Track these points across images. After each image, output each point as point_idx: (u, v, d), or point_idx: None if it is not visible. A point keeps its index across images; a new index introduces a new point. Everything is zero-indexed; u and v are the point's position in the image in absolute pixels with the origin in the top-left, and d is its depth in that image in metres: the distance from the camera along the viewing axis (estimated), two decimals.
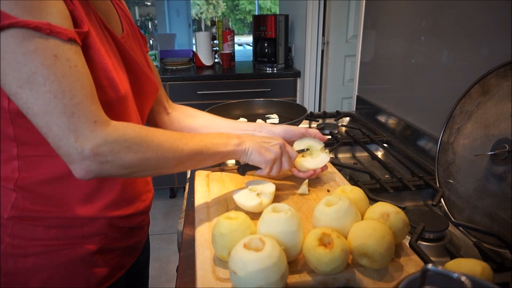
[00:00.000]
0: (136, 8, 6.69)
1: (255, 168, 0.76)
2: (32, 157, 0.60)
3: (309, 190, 0.81)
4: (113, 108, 0.61)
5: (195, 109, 0.94)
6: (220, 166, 0.97)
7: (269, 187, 0.75)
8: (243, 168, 0.78)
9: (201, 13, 11.25)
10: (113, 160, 0.53)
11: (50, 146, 0.53)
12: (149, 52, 2.59)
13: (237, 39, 6.13)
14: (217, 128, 0.88)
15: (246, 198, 0.72)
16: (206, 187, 0.84)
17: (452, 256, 0.66)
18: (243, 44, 9.81)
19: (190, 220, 0.75)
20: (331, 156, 1.18)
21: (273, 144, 0.75)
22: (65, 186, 0.62)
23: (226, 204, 0.77)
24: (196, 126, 0.89)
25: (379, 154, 1.22)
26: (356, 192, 0.67)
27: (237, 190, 0.76)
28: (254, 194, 0.73)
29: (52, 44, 0.49)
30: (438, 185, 0.85)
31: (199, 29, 3.35)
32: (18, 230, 0.62)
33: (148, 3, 6.74)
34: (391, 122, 1.33)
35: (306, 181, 0.82)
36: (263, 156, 0.72)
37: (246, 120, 1.35)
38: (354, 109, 1.67)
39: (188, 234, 0.71)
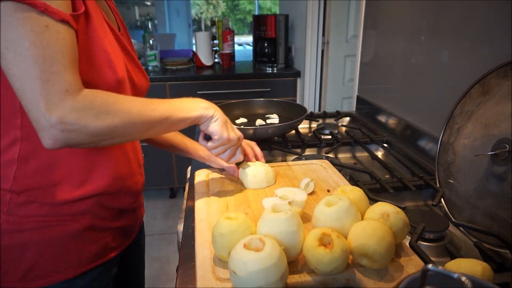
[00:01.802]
0: (136, 8, 6.68)
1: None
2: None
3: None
4: (111, 91, 0.63)
5: None
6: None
7: (301, 196, 0.73)
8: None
9: (201, 13, 11.24)
10: (79, 129, 0.55)
11: None
12: (149, 52, 2.59)
13: (237, 39, 6.12)
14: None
15: None
16: (206, 187, 0.84)
17: (452, 256, 0.66)
18: (243, 44, 9.81)
19: (190, 220, 0.75)
20: (331, 156, 1.18)
21: (237, 130, 0.77)
22: (63, 159, 0.65)
23: (226, 204, 0.77)
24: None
25: (379, 154, 1.22)
26: (356, 192, 0.67)
27: (267, 198, 0.76)
28: (285, 202, 0.69)
29: (44, 19, 0.52)
30: (438, 185, 0.85)
31: (199, 29, 3.34)
32: (13, 207, 0.64)
33: (148, 3, 6.73)
34: (391, 122, 1.33)
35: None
36: (224, 129, 0.73)
37: (246, 120, 1.36)
38: (354, 109, 1.67)
39: (188, 234, 0.71)
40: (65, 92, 0.53)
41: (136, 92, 0.78)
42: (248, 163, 0.86)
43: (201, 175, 0.90)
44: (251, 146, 0.92)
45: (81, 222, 0.69)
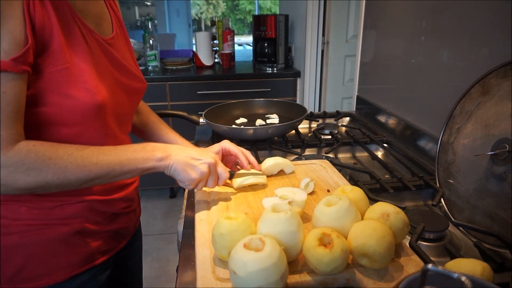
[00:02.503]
0: (136, 8, 6.68)
1: None
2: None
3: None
4: (88, 113, 0.64)
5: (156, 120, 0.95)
6: None
7: (301, 195, 0.73)
8: None
9: (201, 13, 11.24)
10: (7, 184, 0.55)
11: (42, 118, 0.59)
12: (149, 52, 2.59)
13: (237, 39, 6.12)
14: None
15: None
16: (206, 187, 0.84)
17: (452, 256, 0.66)
18: (243, 44, 9.81)
19: (190, 220, 0.75)
20: (331, 156, 1.18)
21: (201, 162, 0.71)
22: None
23: (226, 204, 0.77)
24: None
25: (379, 154, 1.22)
26: (356, 192, 0.67)
27: (267, 198, 0.76)
28: (285, 202, 0.69)
29: None
30: (438, 185, 0.85)
31: (199, 29, 3.35)
32: (3, 210, 0.65)
33: (148, 3, 6.73)
34: (391, 122, 1.33)
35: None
36: (186, 175, 0.69)
37: (246, 120, 1.36)
38: (354, 109, 1.67)
39: (188, 234, 0.71)
40: None
41: (131, 97, 0.77)
42: (237, 178, 0.83)
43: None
44: (246, 155, 0.85)
45: (71, 225, 0.69)
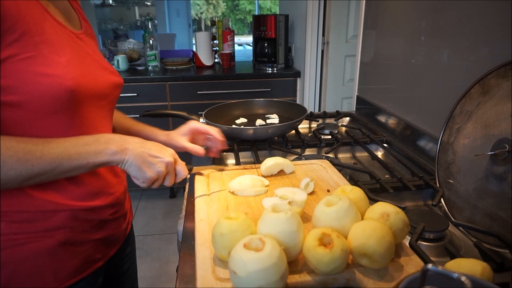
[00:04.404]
0: (136, 8, 6.69)
1: None
2: None
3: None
4: (61, 99, 0.61)
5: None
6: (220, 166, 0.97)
7: (301, 195, 0.73)
8: None
9: (201, 13, 11.24)
10: None
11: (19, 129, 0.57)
12: (149, 52, 2.59)
13: (237, 39, 6.13)
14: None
15: None
16: (206, 187, 0.84)
17: (452, 256, 0.66)
18: (243, 44, 9.81)
19: (190, 220, 0.75)
20: (331, 156, 1.18)
21: (159, 161, 0.67)
22: None
23: (226, 204, 0.77)
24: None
25: (379, 154, 1.22)
26: (356, 192, 0.67)
27: (267, 198, 0.76)
28: (285, 202, 0.69)
29: None
30: (438, 185, 0.85)
31: (199, 29, 3.34)
32: None
33: (148, 3, 6.73)
34: (391, 122, 1.33)
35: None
36: (142, 172, 0.66)
37: (246, 120, 1.36)
38: (354, 109, 1.67)
39: (188, 234, 0.71)
40: None
41: (103, 92, 0.73)
42: (234, 184, 0.81)
43: (201, 175, 0.90)
44: (215, 130, 0.86)
45: (56, 237, 0.65)
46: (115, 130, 0.89)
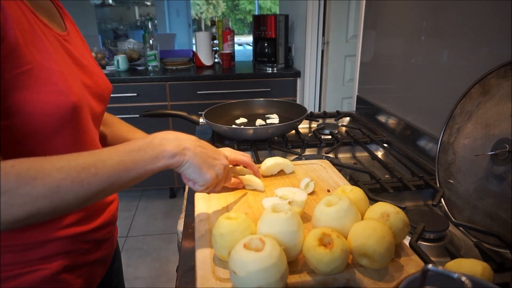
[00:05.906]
0: (136, 8, 6.69)
1: None
2: None
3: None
4: (63, 118, 0.56)
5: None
6: None
7: (301, 195, 0.72)
8: None
9: (201, 13, 11.24)
10: None
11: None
12: (149, 52, 2.59)
13: (237, 39, 6.13)
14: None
15: None
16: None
17: (453, 256, 0.66)
18: (243, 44, 9.82)
19: (190, 220, 0.75)
20: (332, 156, 1.18)
21: (219, 163, 0.61)
22: None
23: (226, 204, 0.77)
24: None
25: (379, 154, 1.22)
26: (356, 192, 0.67)
27: (267, 198, 0.76)
28: (285, 202, 0.68)
29: None
30: (438, 185, 0.85)
31: (199, 29, 3.34)
32: None
33: (148, 3, 6.74)
34: (391, 122, 1.33)
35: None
36: (202, 174, 0.58)
37: (246, 120, 1.36)
38: (354, 109, 1.67)
39: (188, 234, 0.71)
40: None
41: (97, 99, 0.69)
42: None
43: None
44: (253, 164, 0.80)
45: (54, 264, 0.60)
46: (114, 142, 0.82)
